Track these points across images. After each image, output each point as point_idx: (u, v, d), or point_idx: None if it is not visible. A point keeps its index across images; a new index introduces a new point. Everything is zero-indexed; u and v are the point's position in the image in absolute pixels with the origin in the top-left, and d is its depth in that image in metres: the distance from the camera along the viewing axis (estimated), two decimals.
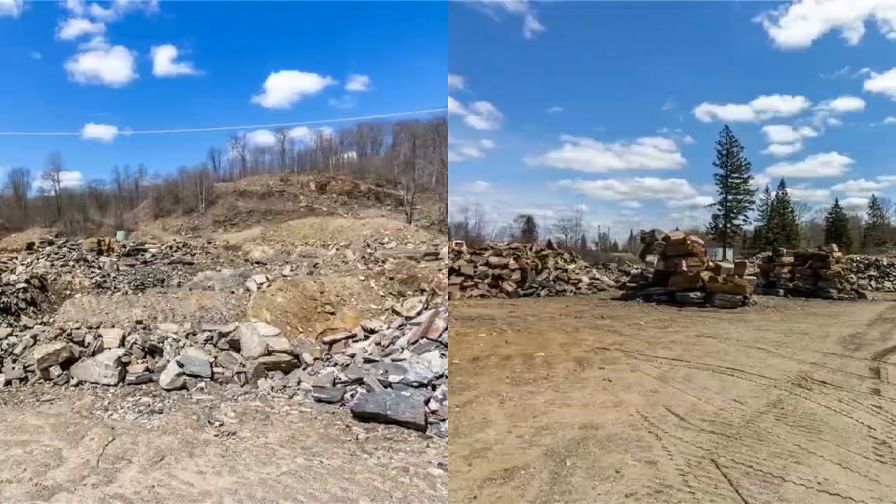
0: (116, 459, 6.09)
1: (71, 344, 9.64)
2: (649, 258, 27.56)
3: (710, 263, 24.73)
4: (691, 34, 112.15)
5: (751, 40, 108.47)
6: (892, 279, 37.81)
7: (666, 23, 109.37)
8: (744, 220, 78.56)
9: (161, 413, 7.82)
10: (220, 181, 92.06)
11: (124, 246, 39.12)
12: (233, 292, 17.84)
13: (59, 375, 8.99)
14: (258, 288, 18.86)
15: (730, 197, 76.44)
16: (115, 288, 22.33)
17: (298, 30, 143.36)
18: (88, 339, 9.97)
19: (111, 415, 7.68)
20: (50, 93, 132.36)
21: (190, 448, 6.51)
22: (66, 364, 9.24)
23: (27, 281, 17.70)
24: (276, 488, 5.53)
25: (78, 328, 10.55)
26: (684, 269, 23.16)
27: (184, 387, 8.92)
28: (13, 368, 9.06)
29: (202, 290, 20.03)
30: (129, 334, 10.56)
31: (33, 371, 9.04)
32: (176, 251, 38.96)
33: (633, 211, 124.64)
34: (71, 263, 26.71)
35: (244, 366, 9.74)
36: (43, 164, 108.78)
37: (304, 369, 10.03)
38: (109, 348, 9.78)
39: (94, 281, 23.27)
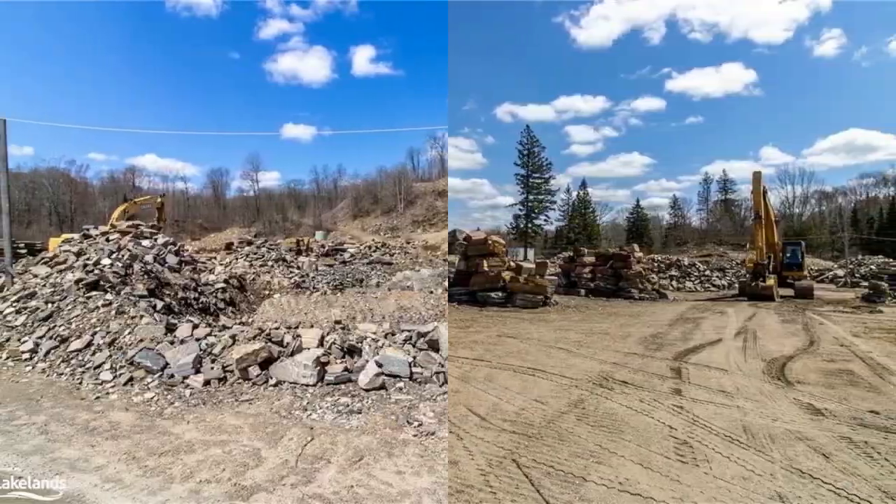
0: (315, 459, 6.56)
1: (270, 344, 10.48)
2: (450, 258, 29.88)
3: (512, 263, 27.35)
4: (492, 34, 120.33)
5: (552, 40, 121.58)
6: (693, 279, 41.34)
7: (466, 22, 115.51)
8: (545, 220, 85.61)
9: (360, 413, 8.27)
10: (419, 181, 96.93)
11: (323, 246, 42.22)
12: (431, 292, 18.52)
13: (257, 375, 9.79)
14: None
15: (531, 197, 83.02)
16: (313, 288, 24.18)
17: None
18: (287, 339, 10.76)
19: (310, 415, 8.24)
20: (248, 93, 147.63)
21: (389, 448, 6.86)
22: (265, 364, 10.05)
23: (226, 281, 19.61)
24: None
25: (277, 328, 11.46)
26: (485, 268, 25.55)
27: (382, 387, 9.36)
28: (212, 368, 10.02)
29: (401, 289, 21.05)
30: (327, 334, 11.26)
31: (232, 371, 9.92)
32: (375, 251, 41.37)
33: None
34: (270, 263, 29.34)
35: (443, 366, 10.03)
36: (242, 164, 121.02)
37: None
38: (308, 348, 10.50)
39: (292, 281, 25.41)
